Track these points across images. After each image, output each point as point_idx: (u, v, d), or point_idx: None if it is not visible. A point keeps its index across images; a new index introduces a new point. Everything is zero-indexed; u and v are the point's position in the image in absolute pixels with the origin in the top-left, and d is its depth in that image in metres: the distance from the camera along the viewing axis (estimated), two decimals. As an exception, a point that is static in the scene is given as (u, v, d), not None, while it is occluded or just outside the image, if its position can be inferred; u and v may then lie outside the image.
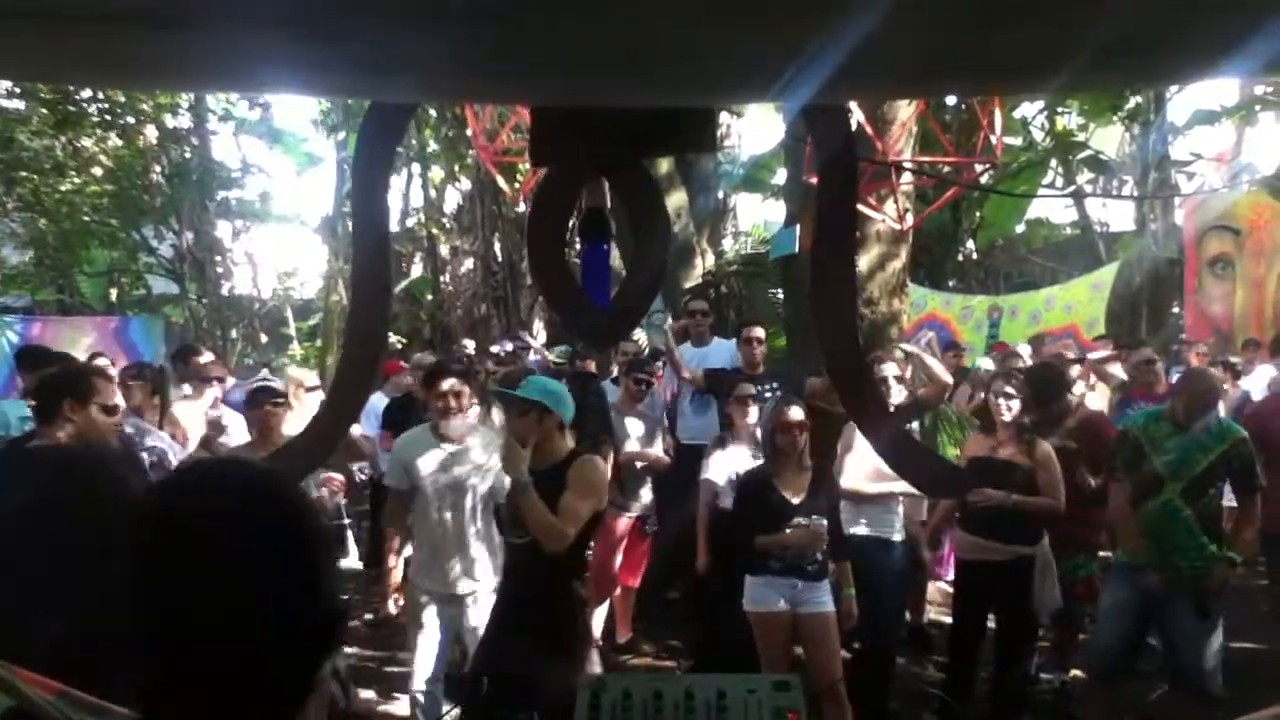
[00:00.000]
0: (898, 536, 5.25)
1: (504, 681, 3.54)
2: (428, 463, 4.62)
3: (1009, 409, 5.11)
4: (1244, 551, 4.75)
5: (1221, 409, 5.61)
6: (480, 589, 4.59)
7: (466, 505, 4.61)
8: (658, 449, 6.45)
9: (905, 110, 7.64)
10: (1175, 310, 13.13)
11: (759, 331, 6.58)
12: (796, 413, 4.75)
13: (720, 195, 15.64)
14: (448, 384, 4.66)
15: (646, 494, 6.32)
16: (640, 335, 8.84)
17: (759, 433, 5.29)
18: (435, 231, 18.75)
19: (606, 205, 2.47)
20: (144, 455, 4.73)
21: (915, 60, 1.68)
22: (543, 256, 2.47)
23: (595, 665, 4.17)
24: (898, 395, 5.56)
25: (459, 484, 4.60)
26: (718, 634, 5.30)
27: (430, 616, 4.62)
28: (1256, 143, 17.31)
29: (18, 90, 12.34)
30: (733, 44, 1.60)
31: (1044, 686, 5.61)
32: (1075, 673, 5.53)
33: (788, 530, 4.59)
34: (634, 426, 6.36)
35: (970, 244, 15.95)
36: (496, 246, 17.60)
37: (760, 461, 5.06)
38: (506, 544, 4.17)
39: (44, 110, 12.86)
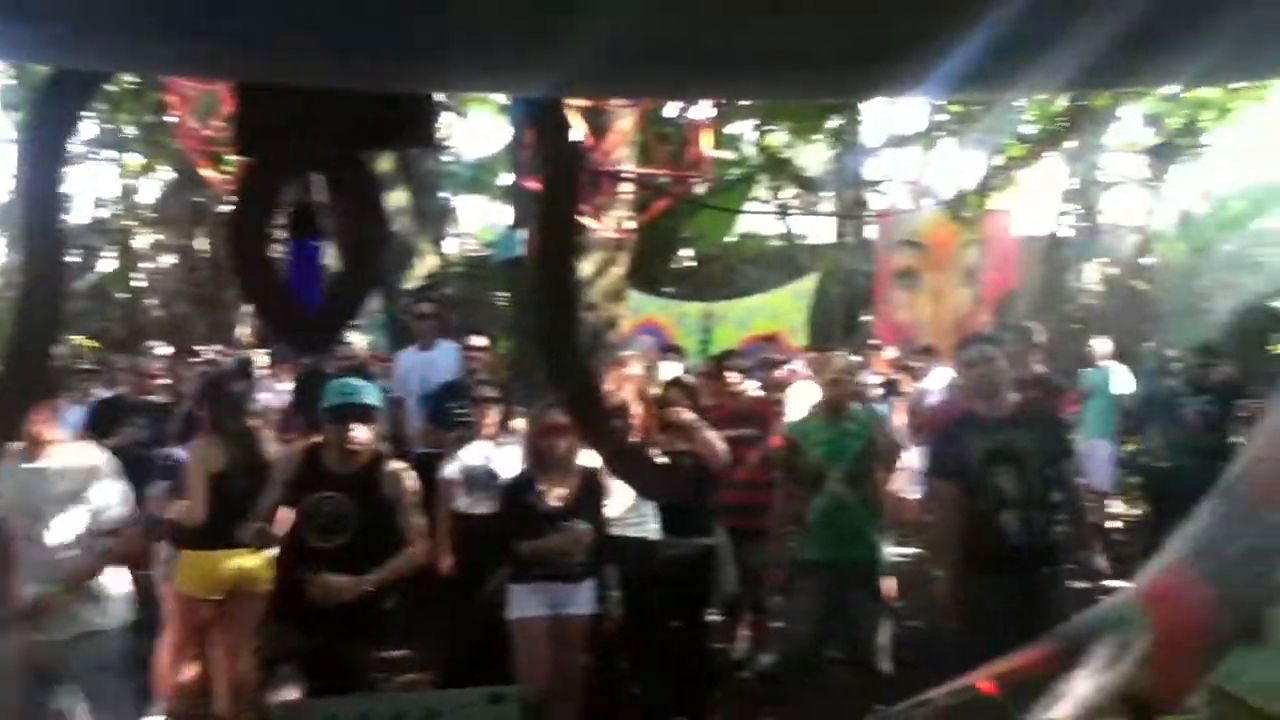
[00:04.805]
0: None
1: None
2: None
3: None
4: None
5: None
6: None
7: None
8: None
9: (625, 119, 7.80)
10: (869, 318, 14.14)
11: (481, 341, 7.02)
12: (557, 416, 4.58)
13: (443, 196, 15.40)
14: None
15: None
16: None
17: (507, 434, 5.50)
18: (131, 223, 17.27)
19: (317, 199, 2.34)
20: None
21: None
22: (245, 252, 2.30)
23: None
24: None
25: None
26: (469, 645, 5.26)
27: None
28: (939, 166, 19.04)
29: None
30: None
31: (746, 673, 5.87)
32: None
33: (551, 536, 4.59)
34: None
35: (686, 252, 16.52)
36: (201, 241, 16.43)
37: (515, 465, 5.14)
38: None
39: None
